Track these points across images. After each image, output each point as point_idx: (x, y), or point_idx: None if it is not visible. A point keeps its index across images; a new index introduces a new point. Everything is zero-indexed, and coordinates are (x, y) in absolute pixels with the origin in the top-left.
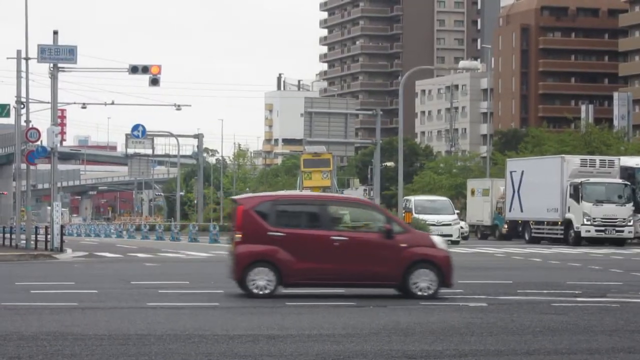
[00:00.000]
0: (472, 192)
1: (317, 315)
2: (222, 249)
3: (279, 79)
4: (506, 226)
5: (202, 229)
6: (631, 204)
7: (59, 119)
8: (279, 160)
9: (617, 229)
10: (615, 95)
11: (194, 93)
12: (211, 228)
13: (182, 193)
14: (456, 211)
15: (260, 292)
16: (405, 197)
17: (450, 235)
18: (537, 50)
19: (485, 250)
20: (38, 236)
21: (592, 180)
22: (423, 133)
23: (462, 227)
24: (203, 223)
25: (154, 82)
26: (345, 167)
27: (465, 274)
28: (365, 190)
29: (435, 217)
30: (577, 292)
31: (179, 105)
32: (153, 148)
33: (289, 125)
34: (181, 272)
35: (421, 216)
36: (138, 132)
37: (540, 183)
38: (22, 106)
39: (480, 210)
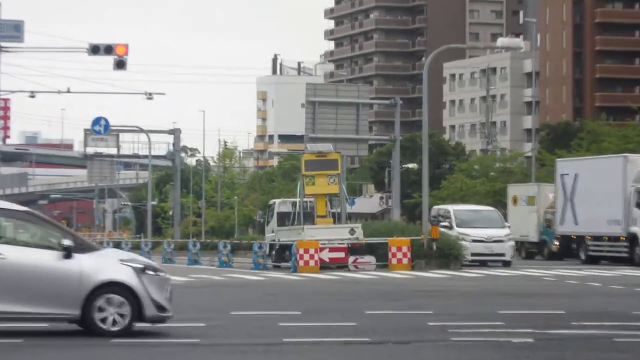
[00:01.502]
0: (514, 201)
1: None
2: (206, 272)
3: (274, 61)
4: (557, 242)
5: (179, 247)
6: None
7: (1, 110)
8: (274, 162)
9: None
10: None
11: (169, 79)
12: (190, 246)
13: (154, 202)
14: (507, 224)
15: None
16: (439, 207)
17: (503, 255)
18: (593, 25)
19: (532, 272)
20: None
21: None
22: (453, 127)
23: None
24: (180, 240)
25: (120, 65)
26: (357, 169)
27: (506, 302)
28: (381, 198)
29: (484, 232)
30: None
31: (150, 94)
32: (118, 147)
33: (287, 119)
34: None
35: (464, 230)
36: (100, 127)
37: (599, 189)
38: None
39: (524, 223)
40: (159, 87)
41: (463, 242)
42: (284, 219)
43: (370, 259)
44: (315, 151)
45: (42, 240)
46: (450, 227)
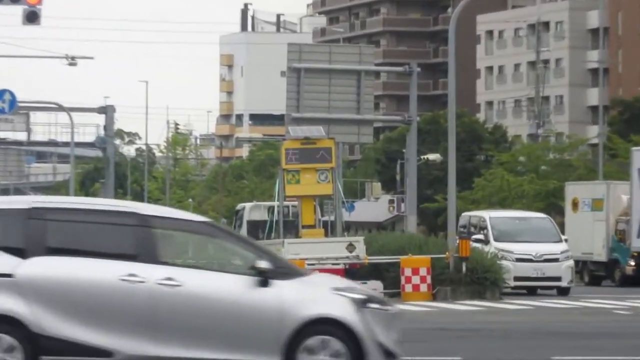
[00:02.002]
0: (574, 205)
1: None
2: None
3: (244, 12)
4: (632, 262)
5: None
6: None
7: None
8: (244, 152)
9: None
10: None
11: (99, 37)
12: None
13: None
14: (563, 236)
15: None
16: (470, 214)
17: (558, 279)
18: None
19: (598, 303)
20: None
21: None
22: (490, 105)
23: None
24: None
25: (31, 17)
26: (359, 162)
27: (563, 345)
28: (391, 201)
29: (532, 248)
30: None
31: (73, 58)
32: (29, 131)
33: (262, 92)
34: None
35: (504, 245)
36: (3, 104)
37: None
38: None
39: (587, 236)
40: (86, 49)
41: (503, 262)
42: (256, 229)
43: (376, 285)
44: (300, 137)
45: (229, 262)
46: (486, 242)
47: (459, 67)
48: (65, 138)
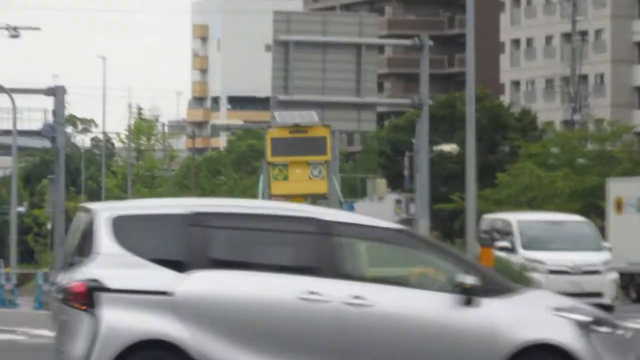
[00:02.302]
0: (618, 206)
1: None
2: None
3: None
4: None
5: None
6: None
7: None
8: (221, 142)
9: None
10: None
11: (47, 3)
12: None
13: (22, 209)
14: (605, 244)
15: None
16: (494, 216)
17: (599, 295)
18: None
19: None
20: None
21: None
22: (516, 85)
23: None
24: None
25: None
26: (359, 155)
27: None
28: (398, 201)
29: (568, 258)
30: None
31: (15, 29)
32: None
33: (242, 70)
34: None
35: (535, 254)
36: None
37: None
38: None
39: (634, 242)
40: (31, 19)
41: (534, 275)
42: None
43: None
44: (288, 124)
45: (427, 277)
46: (512, 250)
47: (480, 40)
48: (6, 125)
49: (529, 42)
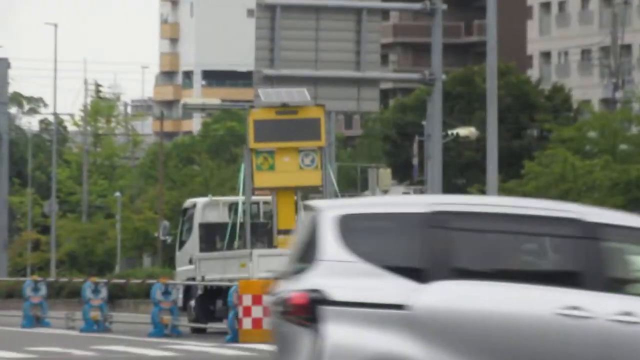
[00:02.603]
0: None
1: None
2: (58, 341)
3: None
4: None
5: (6, 292)
6: None
7: None
8: (194, 124)
9: None
10: None
11: None
12: (28, 290)
13: None
14: None
15: None
16: None
17: None
18: None
19: None
20: None
21: None
22: (546, 57)
23: None
24: (9, 278)
25: None
26: (360, 140)
27: None
28: (408, 193)
29: None
30: None
31: None
32: None
33: (220, 39)
34: None
35: None
36: None
37: None
38: None
39: None
40: None
41: None
42: (212, 236)
43: None
44: (275, 103)
45: None
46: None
47: (503, 4)
48: None
49: (562, 6)
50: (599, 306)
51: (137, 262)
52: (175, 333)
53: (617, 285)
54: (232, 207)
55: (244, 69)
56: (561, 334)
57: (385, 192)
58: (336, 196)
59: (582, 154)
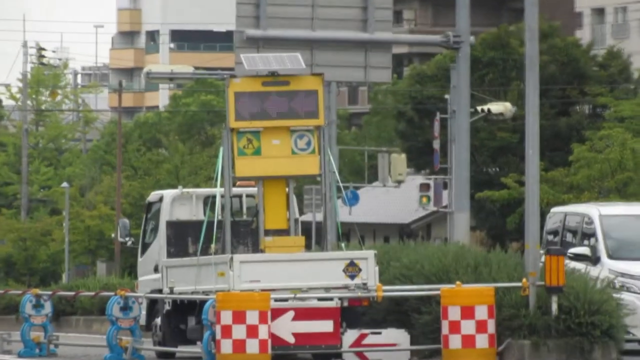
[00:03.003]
0: None
1: None
2: None
3: None
4: None
5: None
6: None
7: None
8: (160, 98)
9: None
10: None
11: None
12: None
13: None
14: None
15: None
16: (566, 209)
17: None
18: None
19: None
20: None
21: None
22: (599, 14)
23: None
24: None
25: None
26: (366, 118)
27: None
28: (425, 186)
29: None
30: None
31: None
32: None
33: None
34: None
35: (626, 266)
36: None
37: None
38: None
39: None
40: None
41: (625, 296)
42: (183, 238)
43: (398, 336)
44: (261, 72)
45: None
46: (593, 259)
47: None
48: None
49: None
50: None
51: (90, 270)
52: (137, 358)
53: None
54: (208, 202)
55: (222, 28)
56: None
57: (399, 182)
58: (338, 189)
59: None
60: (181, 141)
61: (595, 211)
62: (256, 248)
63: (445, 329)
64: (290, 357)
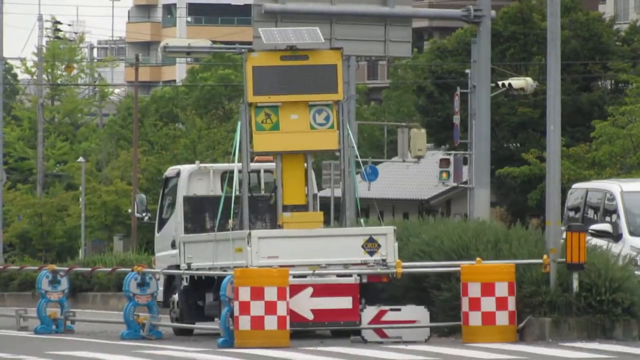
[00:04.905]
0: None
1: None
2: (6, 344)
3: None
4: None
5: None
6: None
7: None
8: (177, 72)
9: None
10: None
11: None
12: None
13: None
14: None
15: None
16: (587, 185)
17: None
18: None
19: None
20: None
21: None
22: None
23: None
24: None
25: None
26: (386, 92)
27: None
28: (445, 162)
29: None
30: None
31: None
32: None
33: None
34: None
35: None
36: None
37: None
38: None
39: None
40: None
41: None
42: (201, 213)
43: (418, 313)
44: (279, 46)
45: None
46: (615, 236)
47: None
48: None
49: None
50: None
51: (106, 246)
52: (154, 335)
53: None
54: (226, 177)
55: (240, 1)
56: None
57: (419, 157)
58: (357, 164)
59: None
60: (198, 116)
61: (617, 187)
62: (274, 224)
63: (465, 305)
64: (309, 333)
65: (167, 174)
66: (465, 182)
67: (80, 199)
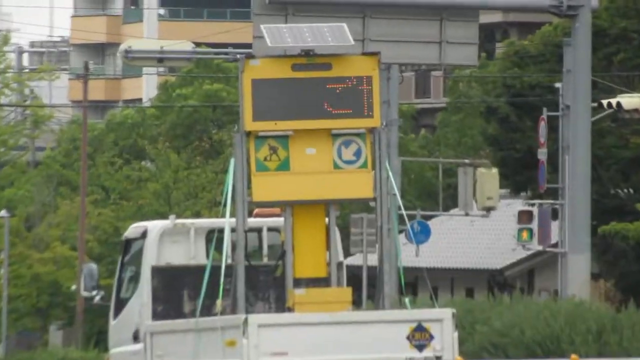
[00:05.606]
0: None
1: None
2: None
3: None
4: None
5: None
6: None
7: None
8: (144, 87)
9: None
10: None
11: None
12: None
13: None
14: None
15: None
16: None
17: None
18: None
19: None
20: None
21: None
22: None
23: None
24: None
25: None
26: (440, 116)
27: None
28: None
29: None
30: None
31: None
32: None
33: None
34: None
35: None
36: None
37: None
38: None
39: None
40: None
41: None
42: (176, 290)
43: None
44: (290, 50)
45: None
46: None
47: None
48: None
49: None
50: None
51: (39, 340)
52: None
53: None
54: (213, 238)
55: None
56: None
57: (489, 209)
58: (401, 219)
59: None
60: (174, 150)
61: None
62: (282, 305)
63: None
64: None
65: (129, 235)
66: (555, 245)
67: (2, 271)
